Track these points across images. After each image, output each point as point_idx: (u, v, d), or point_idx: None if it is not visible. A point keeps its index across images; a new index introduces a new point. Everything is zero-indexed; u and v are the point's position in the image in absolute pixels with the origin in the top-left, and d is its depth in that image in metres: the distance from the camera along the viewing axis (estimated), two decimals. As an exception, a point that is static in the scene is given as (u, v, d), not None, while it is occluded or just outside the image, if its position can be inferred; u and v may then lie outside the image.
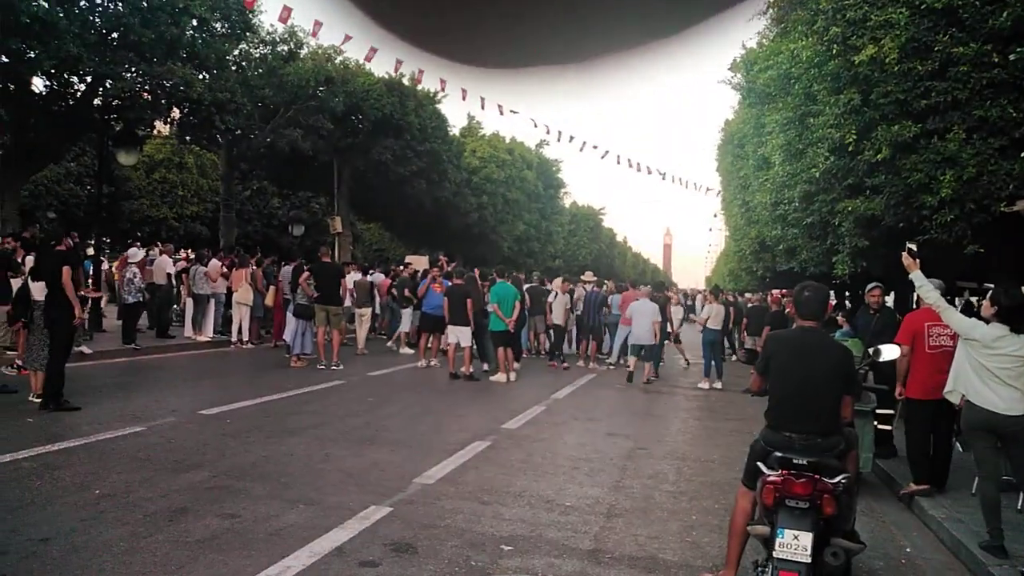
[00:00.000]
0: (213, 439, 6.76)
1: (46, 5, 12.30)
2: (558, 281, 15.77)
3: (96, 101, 14.98)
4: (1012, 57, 6.95)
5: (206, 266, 14.21)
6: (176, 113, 17.43)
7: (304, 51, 21.66)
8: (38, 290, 8.04)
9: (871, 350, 5.38)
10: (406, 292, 15.24)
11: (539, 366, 14.42)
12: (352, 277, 15.42)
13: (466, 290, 11.99)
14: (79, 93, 14.91)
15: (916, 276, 5.25)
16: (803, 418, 3.67)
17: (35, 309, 7.98)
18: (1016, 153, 7.20)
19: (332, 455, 6.44)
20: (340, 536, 4.45)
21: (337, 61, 22.88)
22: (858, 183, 9.02)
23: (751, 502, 3.79)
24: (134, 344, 12.39)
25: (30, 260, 9.29)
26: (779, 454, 3.60)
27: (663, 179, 33.58)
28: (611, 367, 14.79)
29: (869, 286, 8.10)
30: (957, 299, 19.00)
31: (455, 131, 30.56)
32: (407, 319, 15.55)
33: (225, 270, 14.50)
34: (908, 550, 5.06)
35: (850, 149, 8.73)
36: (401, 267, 18.87)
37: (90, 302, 12.00)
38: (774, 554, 3.40)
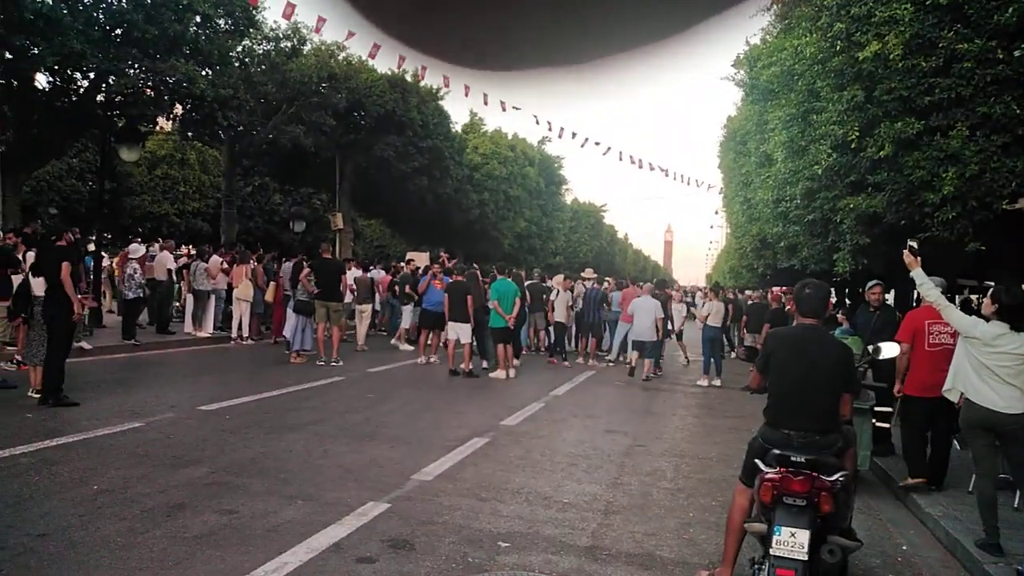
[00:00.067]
0: (212, 435, 6.76)
1: (50, 2, 12.29)
2: (559, 278, 15.77)
3: (99, 97, 15.00)
4: (1017, 54, 6.93)
5: (207, 262, 14.22)
6: (179, 109, 17.39)
7: (307, 47, 21.67)
8: (38, 286, 8.06)
9: (871, 348, 5.38)
10: (407, 289, 15.25)
11: (538, 363, 14.42)
12: (353, 273, 15.42)
13: (466, 286, 11.99)
14: (82, 89, 14.93)
15: (917, 274, 5.23)
16: (802, 415, 3.66)
17: (35, 305, 8.01)
18: (1019, 150, 7.18)
19: (331, 451, 6.44)
20: (338, 532, 4.45)
21: (340, 58, 22.89)
22: (860, 180, 9.00)
23: (749, 499, 3.78)
24: (134, 340, 12.39)
25: (31, 256, 9.30)
26: (777, 451, 3.60)
27: (665, 176, 33.53)
28: (610, 364, 14.80)
29: (870, 284, 8.09)
30: (957, 297, 18.95)
31: (457, 127, 30.52)
32: (407, 316, 15.56)
33: (226, 266, 14.51)
34: (904, 548, 5.06)
35: (852, 146, 8.71)
36: (402, 264, 18.88)
37: (91, 295, 12.01)
38: (771, 551, 3.39)
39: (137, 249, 13.73)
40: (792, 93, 11.08)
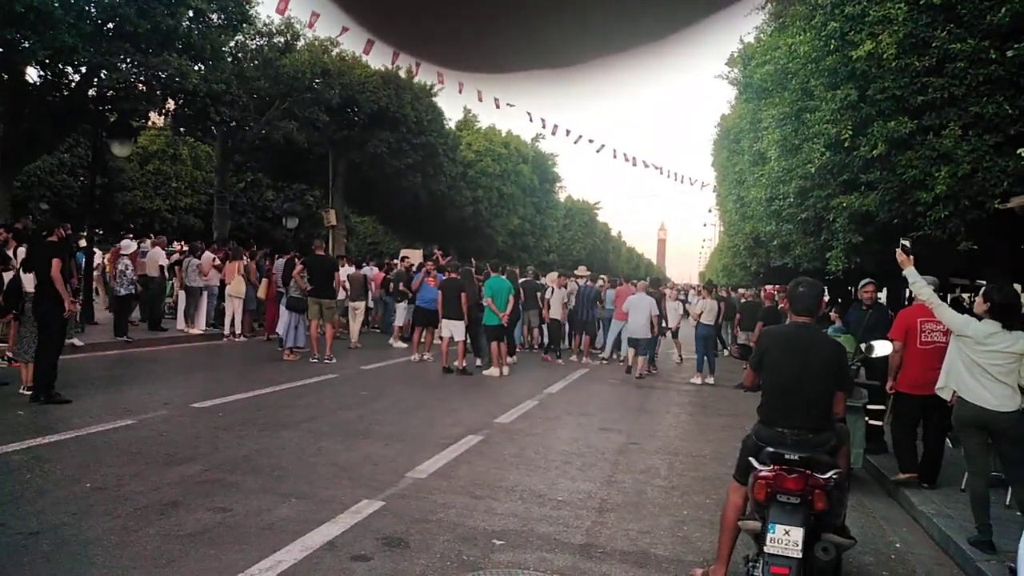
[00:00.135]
0: (205, 432, 6.74)
1: (42, -5, 12.18)
2: (553, 275, 15.79)
3: (91, 92, 14.88)
4: (1010, 53, 6.96)
5: (199, 258, 14.16)
6: (171, 104, 17.30)
7: (300, 43, 21.53)
8: (29, 282, 8.00)
9: (863, 346, 5.40)
10: (401, 286, 15.22)
11: (532, 360, 14.42)
12: (346, 270, 15.39)
13: (460, 284, 11.97)
14: (74, 83, 14.82)
15: (910, 272, 5.25)
16: (795, 413, 3.67)
17: (26, 301, 7.95)
18: (1011, 150, 7.20)
19: (325, 449, 6.42)
20: (332, 530, 4.44)
21: (334, 53, 22.76)
22: (853, 179, 9.03)
23: (742, 497, 3.79)
24: (126, 337, 12.33)
25: (22, 252, 9.23)
26: (771, 449, 3.61)
27: (659, 174, 33.62)
28: (604, 362, 14.82)
29: (862, 282, 8.13)
30: (949, 296, 19.05)
31: (451, 124, 30.48)
32: (401, 313, 15.53)
33: (218, 262, 14.45)
34: (898, 545, 5.09)
35: (846, 145, 8.74)
36: (396, 261, 18.84)
37: (81, 296, 11.94)
38: (765, 549, 3.41)
39: (129, 245, 13.65)
40: (786, 92, 11.10)
